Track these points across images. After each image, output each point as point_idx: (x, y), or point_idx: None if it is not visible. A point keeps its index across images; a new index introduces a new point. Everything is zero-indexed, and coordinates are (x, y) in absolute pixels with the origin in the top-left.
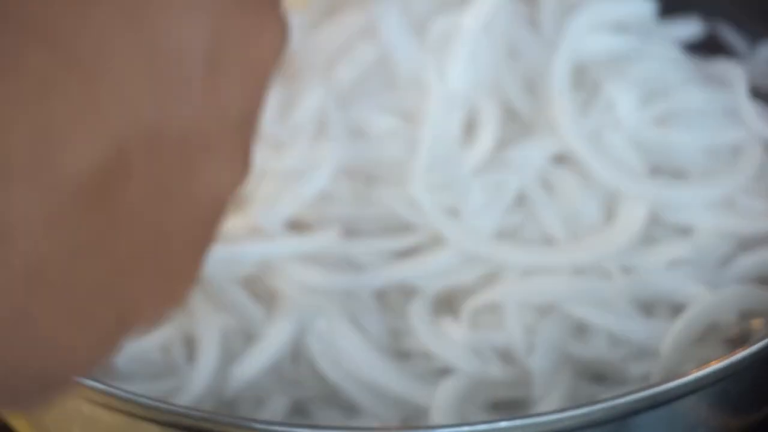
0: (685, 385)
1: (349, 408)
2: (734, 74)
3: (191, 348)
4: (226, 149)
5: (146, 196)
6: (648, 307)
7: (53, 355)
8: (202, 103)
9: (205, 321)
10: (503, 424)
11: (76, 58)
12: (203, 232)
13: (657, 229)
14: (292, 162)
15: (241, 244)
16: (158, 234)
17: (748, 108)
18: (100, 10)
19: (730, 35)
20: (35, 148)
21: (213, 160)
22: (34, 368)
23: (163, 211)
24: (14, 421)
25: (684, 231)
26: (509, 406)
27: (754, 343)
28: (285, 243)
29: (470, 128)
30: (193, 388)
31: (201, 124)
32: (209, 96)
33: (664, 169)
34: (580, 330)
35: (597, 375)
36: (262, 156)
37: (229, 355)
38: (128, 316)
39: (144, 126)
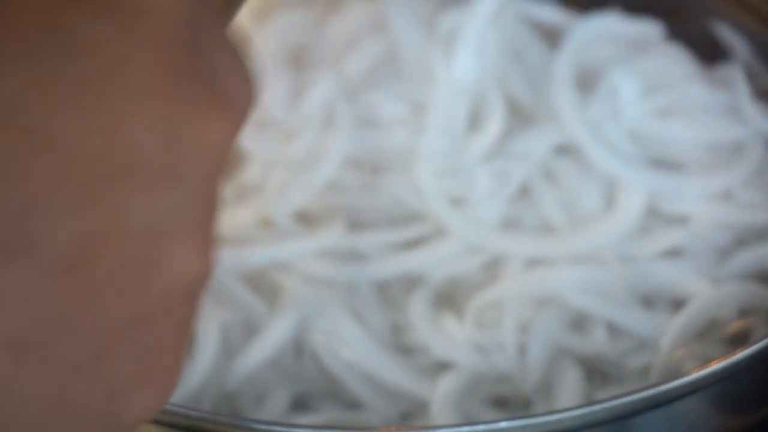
0: (685, 385)
1: (350, 403)
2: (736, 77)
3: (192, 343)
4: (189, 239)
5: (115, 280)
6: (648, 300)
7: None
8: (160, 196)
9: (205, 316)
10: (503, 424)
11: (40, 138)
12: (181, 315)
13: (655, 220)
14: (301, 151)
15: (248, 245)
16: (135, 315)
17: (751, 107)
18: (54, 91)
19: (726, 33)
20: (11, 228)
21: (177, 248)
22: None
23: (135, 295)
24: None
25: (681, 221)
26: (512, 402)
27: (754, 343)
28: (293, 244)
29: (475, 119)
30: (189, 383)
31: (161, 215)
32: (167, 190)
33: (664, 163)
34: (579, 324)
35: (596, 372)
36: (271, 146)
37: (231, 349)
38: (118, 401)
39: (106, 217)
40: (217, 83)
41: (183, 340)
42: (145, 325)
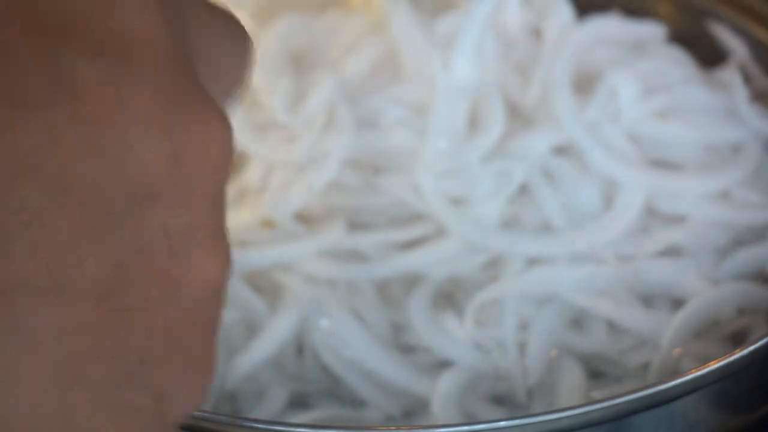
0: (685, 384)
1: (351, 401)
2: (734, 79)
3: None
4: (204, 239)
5: (148, 297)
6: (647, 299)
7: None
8: (176, 212)
9: None
10: (503, 423)
11: (59, 187)
12: (211, 314)
13: (653, 220)
14: (302, 153)
15: (250, 247)
16: (170, 324)
17: (748, 109)
18: (65, 139)
19: (724, 35)
20: (42, 271)
21: (200, 257)
22: None
23: (168, 306)
24: None
25: (679, 221)
26: (512, 400)
27: (754, 342)
28: (294, 245)
29: (475, 120)
30: None
31: (180, 229)
32: (181, 205)
33: (662, 163)
34: (579, 322)
35: (595, 371)
36: (272, 147)
37: (231, 348)
38: (164, 402)
39: (129, 242)
40: (208, 100)
41: (214, 334)
42: (181, 329)
